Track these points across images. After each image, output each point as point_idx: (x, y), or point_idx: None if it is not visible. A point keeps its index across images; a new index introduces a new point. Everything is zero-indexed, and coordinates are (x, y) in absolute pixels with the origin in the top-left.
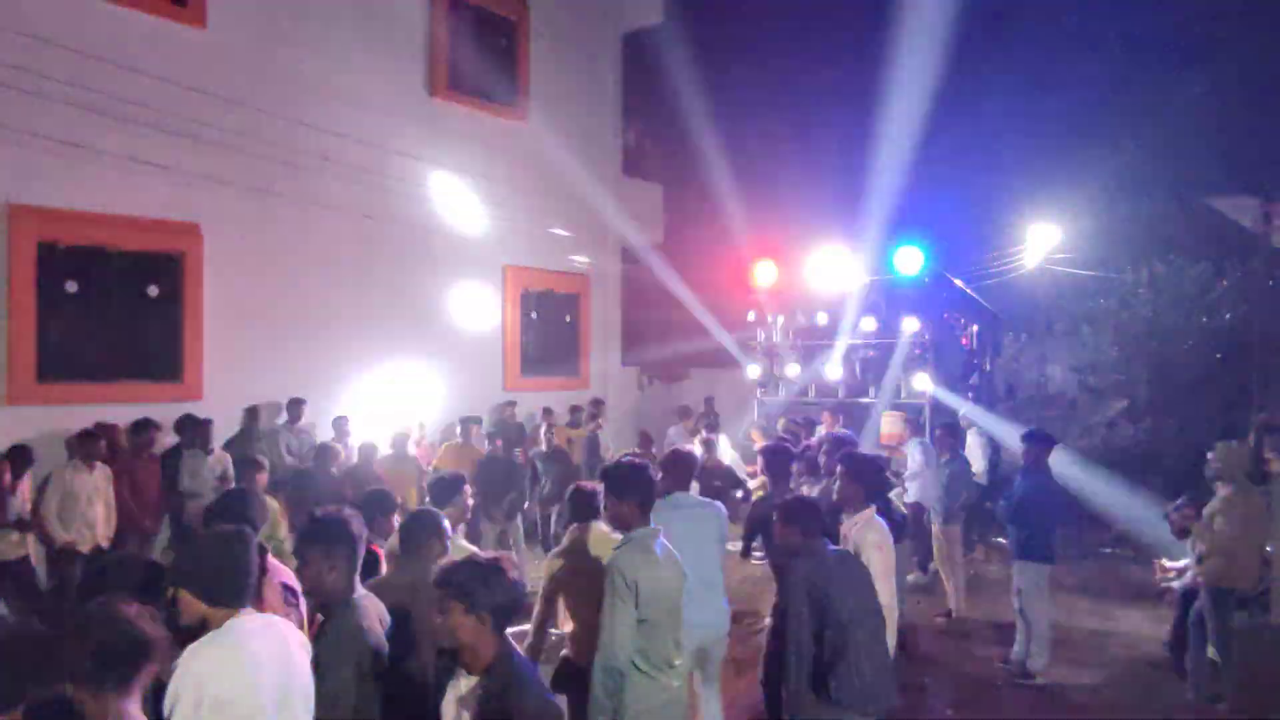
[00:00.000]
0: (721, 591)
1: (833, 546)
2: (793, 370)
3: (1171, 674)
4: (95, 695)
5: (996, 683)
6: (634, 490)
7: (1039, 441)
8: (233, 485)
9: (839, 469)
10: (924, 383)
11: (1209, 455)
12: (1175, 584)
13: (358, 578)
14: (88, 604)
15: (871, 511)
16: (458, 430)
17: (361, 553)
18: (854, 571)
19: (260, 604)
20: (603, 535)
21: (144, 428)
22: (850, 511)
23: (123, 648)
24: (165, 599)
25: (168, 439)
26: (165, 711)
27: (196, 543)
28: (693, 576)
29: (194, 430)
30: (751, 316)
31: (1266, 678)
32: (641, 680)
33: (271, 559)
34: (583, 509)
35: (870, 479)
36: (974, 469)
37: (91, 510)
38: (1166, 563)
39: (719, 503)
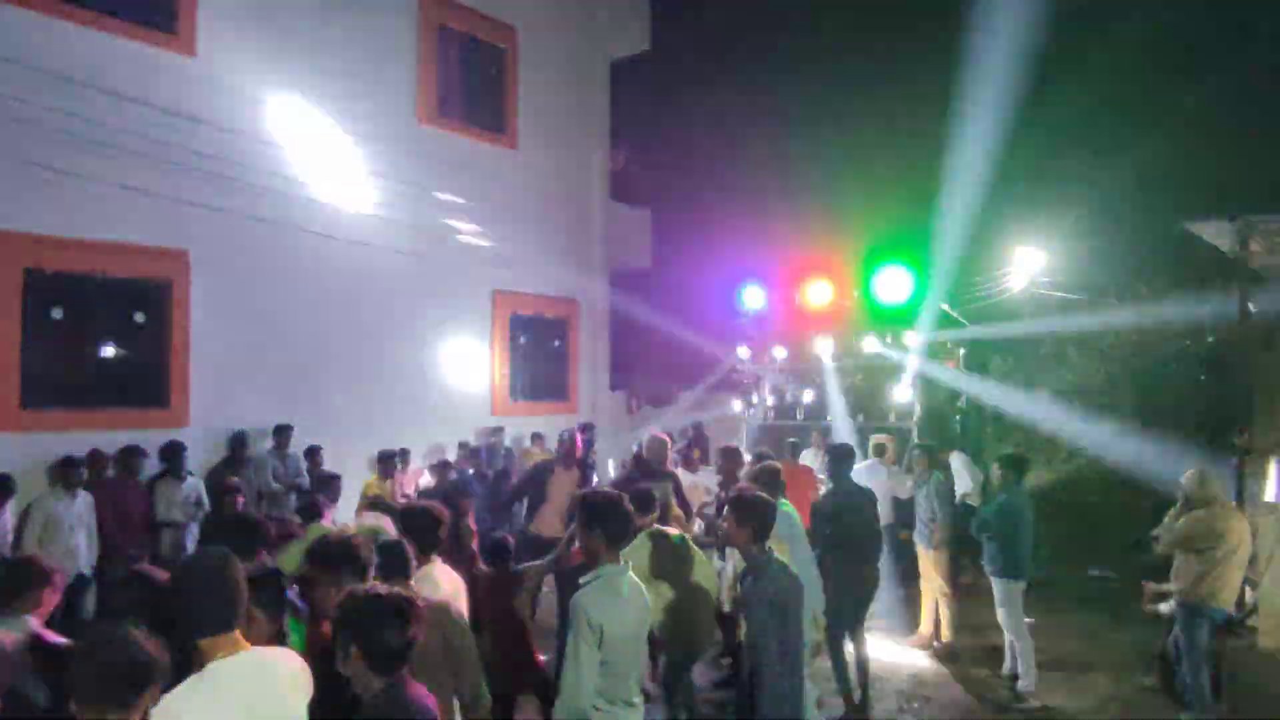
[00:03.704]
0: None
1: (778, 556)
2: (783, 396)
3: (1162, 696)
4: (99, 715)
5: (988, 708)
6: (603, 524)
7: (1012, 464)
8: (207, 511)
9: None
10: (904, 392)
11: (1181, 481)
12: (1163, 607)
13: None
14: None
15: None
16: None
17: (370, 572)
18: (801, 595)
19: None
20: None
21: (131, 454)
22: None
23: (126, 670)
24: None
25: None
26: None
27: (174, 576)
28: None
29: (169, 458)
30: (742, 354)
31: (1253, 700)
32: (601, 719)
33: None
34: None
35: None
36: (965, 490)
37: (74, 538)
38: (1153, 585)
39: None
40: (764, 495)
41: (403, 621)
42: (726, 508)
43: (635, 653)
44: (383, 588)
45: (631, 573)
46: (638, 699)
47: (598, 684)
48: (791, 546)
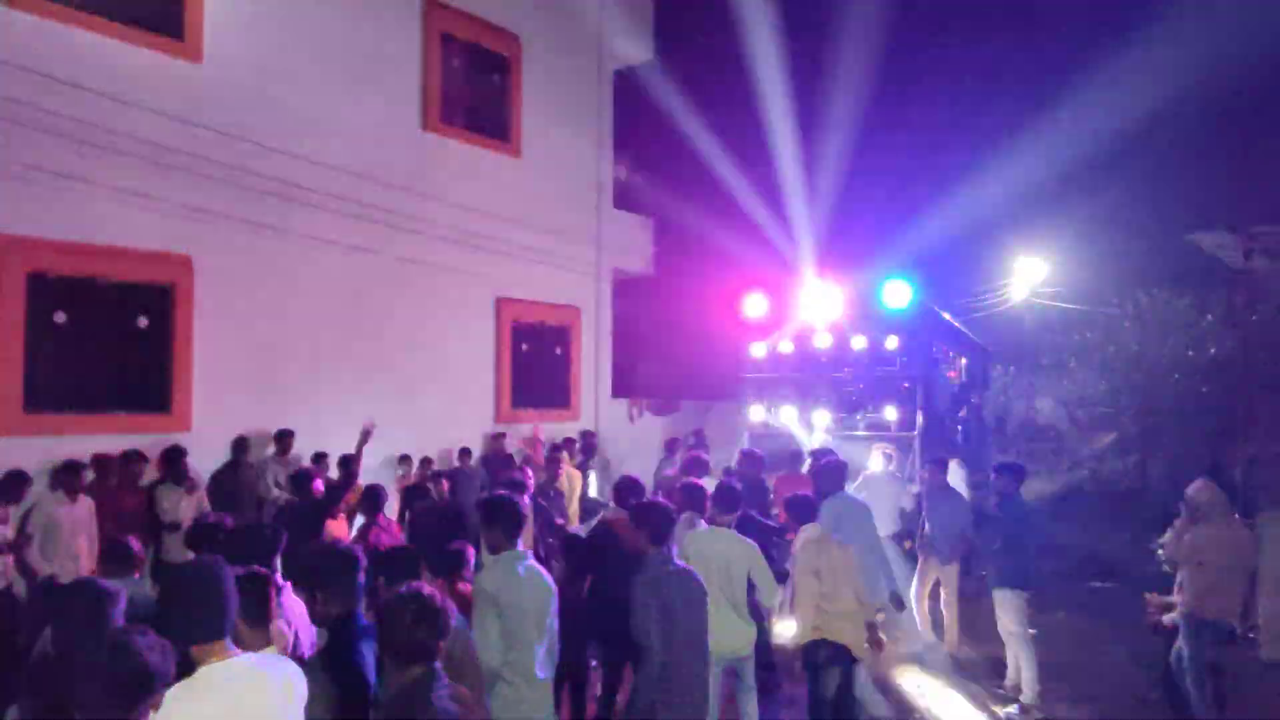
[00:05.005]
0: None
1: (678, 561)
2: (789, 411)
3: (1165, 707)
4: None
5: None
6: (498, 519)
7: (1009, 473)
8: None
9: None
10: (893, 414)
11: (1187, 492)
12: (1167, 618)
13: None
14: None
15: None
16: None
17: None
18: (694, 592)
19: (265, 637)
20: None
21: (133, 459)
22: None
23: (129, 678)
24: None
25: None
26: None
27: (164, 585)
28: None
29: (171, 463)
30: (761, 352)
31: (1256, 712)
32: (509, 691)
33: (289, 596)
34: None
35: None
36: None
37: (74, 542)
38: (1156, 597)
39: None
40: (663, 503)
41: (420, 618)
42: (629, 514)
43: (535, 628)
44: (406, 588)
45: (532, 560)
46: (543, 675)
47: (506, 653)
48: (857, 537)
